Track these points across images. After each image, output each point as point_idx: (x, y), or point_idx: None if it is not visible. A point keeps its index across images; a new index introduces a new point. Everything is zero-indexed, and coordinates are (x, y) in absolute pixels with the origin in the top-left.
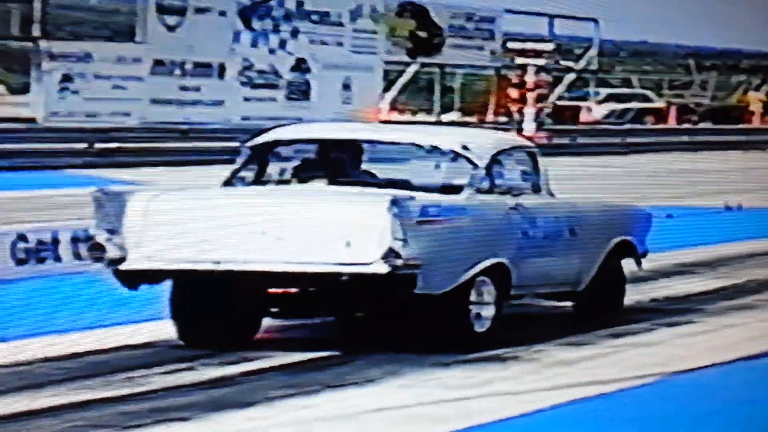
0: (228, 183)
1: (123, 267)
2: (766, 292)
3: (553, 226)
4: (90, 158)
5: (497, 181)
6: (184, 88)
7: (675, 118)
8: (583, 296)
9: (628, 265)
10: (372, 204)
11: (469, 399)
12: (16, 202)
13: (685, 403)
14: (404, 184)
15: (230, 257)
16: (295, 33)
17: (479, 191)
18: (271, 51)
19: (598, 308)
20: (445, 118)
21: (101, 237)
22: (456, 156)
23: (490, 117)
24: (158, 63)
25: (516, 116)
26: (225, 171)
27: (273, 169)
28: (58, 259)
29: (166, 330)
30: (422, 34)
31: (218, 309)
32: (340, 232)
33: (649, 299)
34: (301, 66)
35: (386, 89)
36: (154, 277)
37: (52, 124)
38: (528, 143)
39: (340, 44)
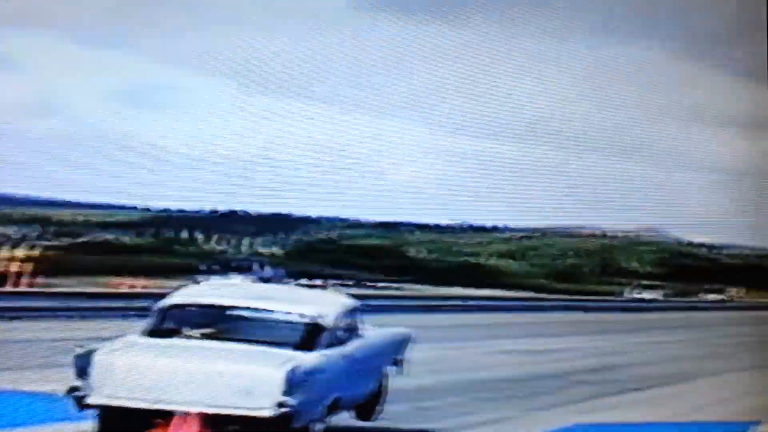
0: (147, 334)
1: (87, 401)
2: None
3: (367, 355)
4: None
5: (338, 334)
6: None
7: None
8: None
9: None
10: (271, 367)
11: None
12: None
13: None
14: (272, 341)
15: (153, 398)
16: None
17: (327, 346)
18: None
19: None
20: None
21: (77, 382)
22: (312, 320)
23: None
24: None
25: None
26: None
27: (178, 324)
28: None
29: None
30: None
31: None
32: (243, 386)
33: None
34: None
35: None
36: (105, 409)
37: None
38: (355, 303)
39: None
